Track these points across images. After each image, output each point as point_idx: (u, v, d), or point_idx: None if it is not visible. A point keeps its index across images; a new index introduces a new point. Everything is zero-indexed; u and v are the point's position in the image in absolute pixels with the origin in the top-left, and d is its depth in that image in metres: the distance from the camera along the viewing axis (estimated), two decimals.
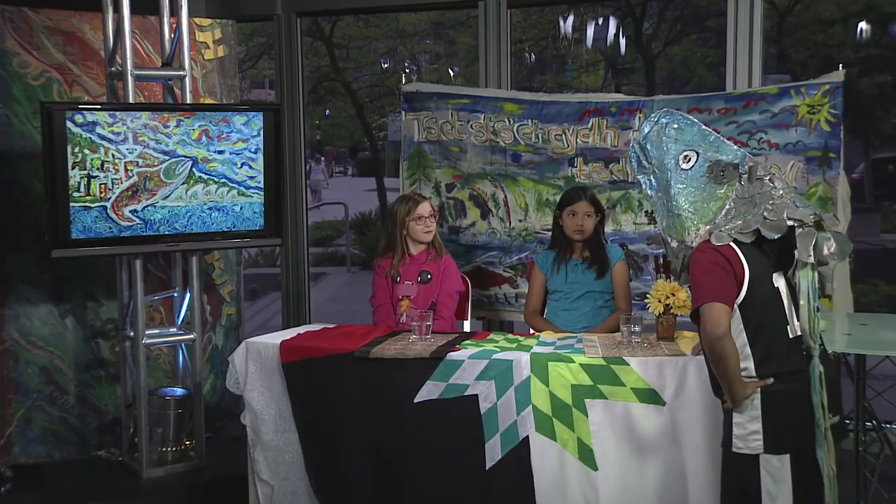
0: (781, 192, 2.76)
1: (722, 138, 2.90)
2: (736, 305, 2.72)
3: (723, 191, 2.79)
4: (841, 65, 4.23)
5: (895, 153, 12.15)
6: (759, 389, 2.72)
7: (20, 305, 4.50)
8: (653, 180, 2.93)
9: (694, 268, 2.77)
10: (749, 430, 2.74)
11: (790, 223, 2.71)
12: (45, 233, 4.19)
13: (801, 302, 2.76)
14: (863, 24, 9.83)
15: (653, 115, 2.98)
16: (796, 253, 2.72)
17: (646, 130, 2.94)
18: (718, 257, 2.72)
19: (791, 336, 2.78)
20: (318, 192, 17.30)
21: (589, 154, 4.61)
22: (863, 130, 11.11)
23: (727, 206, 2.78)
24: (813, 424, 2.76)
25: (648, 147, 2.92)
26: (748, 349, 2.73)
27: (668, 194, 2.86)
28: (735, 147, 2.87)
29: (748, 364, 2.73)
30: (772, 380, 2.72)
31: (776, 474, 2.72)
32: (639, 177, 2.99)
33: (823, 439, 2.76)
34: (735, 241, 2.74)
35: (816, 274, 2.77)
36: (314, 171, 17.70)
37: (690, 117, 2.93)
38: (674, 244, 2.88)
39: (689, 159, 2.83)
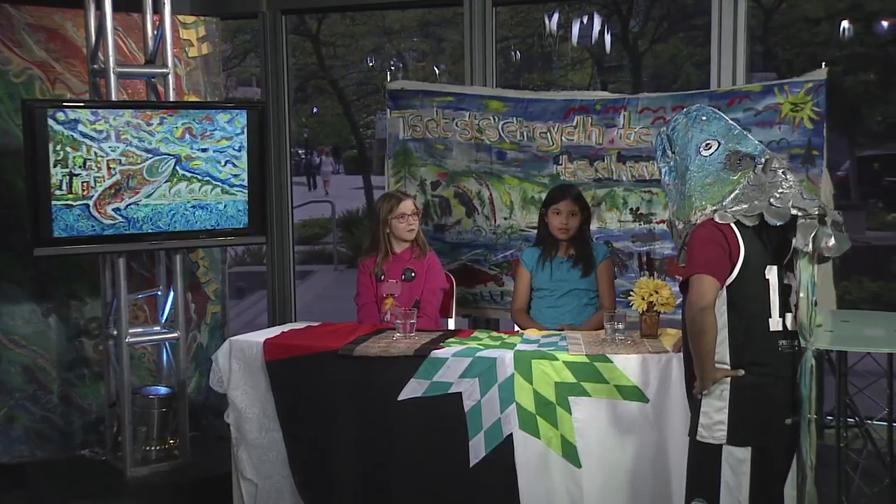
0: (791, 183, 2.81)
1: (746, 133, 2.95)
2: (724, 286, 2.74)
3: (735, 177, 2.82)
4: (823, 62, 4.24)
5: (880, 151, 12.21)
6: (729, 380, 2.74)
7: (3, 304, 4.47)
8: (672, 166, 2.97)
9: (692, 242, 2.81)
10: (714, 420, 2.77)
11: (794, 212, 2.74)
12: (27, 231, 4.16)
13: (801, 295, 2.77)
14: (847, 23, 9.87)
15: (685, 109, 3.04)
16: (794, 241, 2.75)
17: (676, 121, 3.00)
18: (717, 234, 2.76)
19: (771, 329, 2.79)
20: (329, 182, 17.70)
21: (574, 152, 4.61)
22: (848, 128, 11.16)
23: (736, 192, 2.81)
24: (777, 422, 2.78)
25: (674, 136, 2.97)
26: (725, 331, 2.75)
27: (682, 178, 2.90)
28: (756, 142, 2.93)
29: (722, 349, 2.75)
30: (742, 372, 2.75)
31: (736, 467, 2.75)
32: (660, 165, 3.04)
33: (808, 431, 2.78)
34: (737, 223, 2.77)
35: (816, 268, 2.79)
36: (324, 163, 18.06)
37: (720, 112, 3.01)
38: (680, 226, 2.91)
39: (710, 147, 2.89)
